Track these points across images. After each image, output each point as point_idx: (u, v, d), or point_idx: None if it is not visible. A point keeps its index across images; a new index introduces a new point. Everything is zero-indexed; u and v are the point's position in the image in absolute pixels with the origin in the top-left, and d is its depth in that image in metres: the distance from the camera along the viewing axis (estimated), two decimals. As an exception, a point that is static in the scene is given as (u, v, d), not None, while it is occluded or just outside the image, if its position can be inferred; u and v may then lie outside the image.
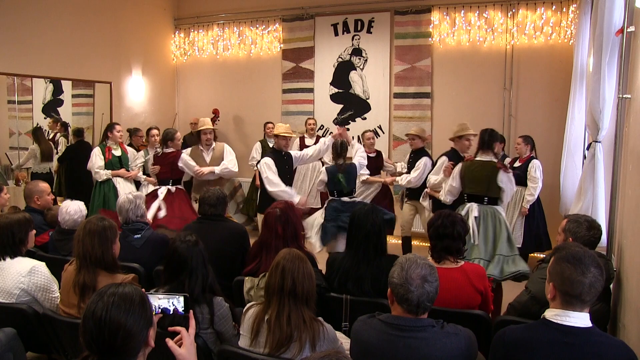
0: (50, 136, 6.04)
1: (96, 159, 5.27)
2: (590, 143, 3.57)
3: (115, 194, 5.16)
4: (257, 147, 6.71)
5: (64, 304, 2.66)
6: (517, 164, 5.20)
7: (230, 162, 5.18)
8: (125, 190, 5.27)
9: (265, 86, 7.58)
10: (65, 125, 6.40)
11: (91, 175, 5.36)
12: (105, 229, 2.62)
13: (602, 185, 3.48)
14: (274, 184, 4.53)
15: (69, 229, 3.47)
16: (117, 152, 5.40)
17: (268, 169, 4.57)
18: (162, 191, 5.01)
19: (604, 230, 3.19)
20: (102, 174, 5.25)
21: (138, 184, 5.58)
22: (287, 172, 4.75)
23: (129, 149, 5.62)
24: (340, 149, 4.64)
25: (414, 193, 5.23)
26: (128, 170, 5.42)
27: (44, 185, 3.97)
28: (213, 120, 7.19)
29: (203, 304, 2.28)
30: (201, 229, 3.34)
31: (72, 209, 3.48)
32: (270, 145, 6.66)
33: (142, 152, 5.61)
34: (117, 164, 5.36)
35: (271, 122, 6.81)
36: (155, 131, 5.75)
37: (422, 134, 5.35)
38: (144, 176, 5.48)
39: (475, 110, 6.40)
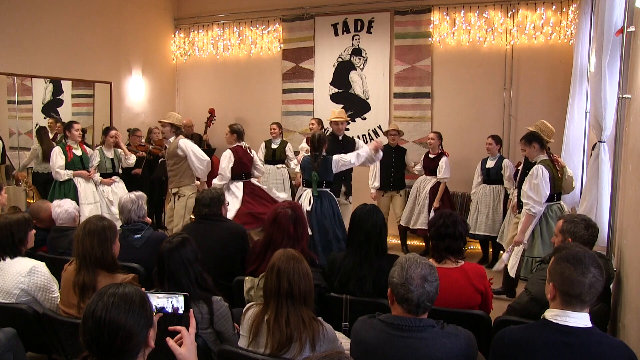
0: (51, 136, 6.03)
1: (57, 159, 5.14)
2: (595, 143, 3.57)
3: (76, 195, 5.10)
4: (262, 147, 6.76)
5: (63, 304, 2.66)
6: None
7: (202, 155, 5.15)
8: (86, 190, 5.26)
9: (265, 86, 7.58)
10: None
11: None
12: (105, 229, 2.62)
13: (607, 186, 3.47)
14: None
15: (64, 226, 3.48)
16: (78, 152, 5.31)
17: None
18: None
19: (605, 230, 3.20)
20: (63, 174, 5.14)
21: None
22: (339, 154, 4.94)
23: (88, 149, 5.55)
24: (317, 143, 4.63)
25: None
26: (88, 171, 5.35)
27: (46, 216, 3.67)
28: (209, 120, 7.22)
29: (202, 304, 2.28)
30: (200, 229, 3.34)
31: (65, 203, 3.54)
32: (273, 146, 6.73)
33: (97, 152, 5.53)
34: (78, 163, 5.27)
35: (276, 123, 6.81)
36: (114, 131, 5.65)
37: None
38: (100, 178, 5.46)
39: (475, 110, 6.40)
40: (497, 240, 5.37)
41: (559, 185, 4.01)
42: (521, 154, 5.38)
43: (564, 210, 4.06)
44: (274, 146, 6.75)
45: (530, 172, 3.95)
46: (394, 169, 5.94)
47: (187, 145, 5.07)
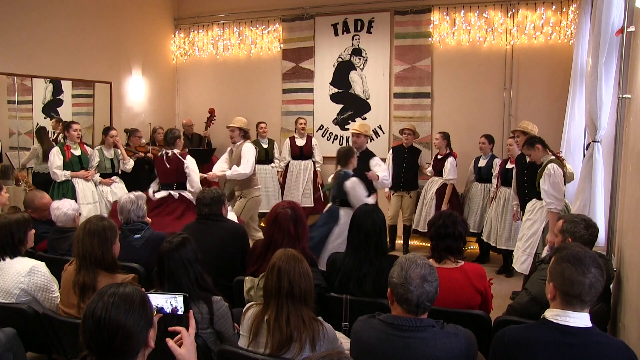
0: (53, 136, 6.02)
1: (55, 159, 5.11)
2: (589, 143, 3.59)
3: (74, 196, 5.07)
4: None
5: (63, 304, 2.66)
6: (509, 165, 5.21)
7: (242, 166, 5.05)
8: (85, 191, 5.24)
9: (265, 86, 7.58)
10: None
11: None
12: (105, 229, 2.62)
13: (600, 185, 3.50)
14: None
15: (65, 227, 3.48)
16: (77, 152, 5.28)
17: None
18: (163, 194, 4.94)
19: (603, 230, 3.21)
20: (60, 174, 5.11)
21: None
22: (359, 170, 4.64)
23: (88, 149, 5.53)
24: (341, 157, 4.53)
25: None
26: (88, 171, 5.33)
27: (41, 203, 3.75)
28: (209, 120, 7.21)
29: (202, 304, 2.28)
30: (200, 229, 3.34)
31: (65, 205, 3.51)
32: (264, 145, 6.76)
33: (96, 152, 5.52)
34: (77, 163, 5.24)
35: (264, 122, 6.84)
36: (114, 131, 5.64)
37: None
38: (100, 178, 5.45)
39: (475, 110, 6.40)
40: (485, 239, 5.43)
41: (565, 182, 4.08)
42: (508, 153, 5.43)
43: (569, 208, 4.09)
44: (264, 145, 6.80)
45: (547, 172, 3.99)
46: (404, 169, 5.92)
47: (245, 149, 5.15)
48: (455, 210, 5.48)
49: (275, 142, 6.97)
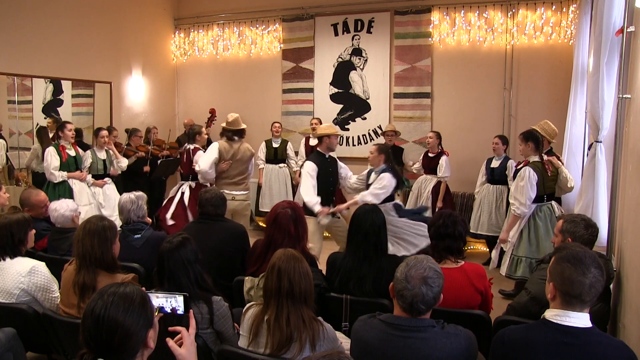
0: (50, 136, 6.02)
1: (52, 159, 5.05)
2: (592, 143, 3.59)
3: (71, 197, 5.02)
4: (262, 147, 6.81)
5: (63, 304, 2.66)
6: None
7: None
8: (81, 191, 5.23)
9: (265, 86, 7.58)
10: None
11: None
12: (105, 229, 2.62)
13: (603, 185, 3.49)
14: (307, 194, 4.28)
15: (64, 228, 3.48)
16: (72, 153, 5.25)
17: (306, 178, 4.32)
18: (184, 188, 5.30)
19: (604, 230, 3.21)
20: (58, 175, 5.06)
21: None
22: (330, 174, 4.49)
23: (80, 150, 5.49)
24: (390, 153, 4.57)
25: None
26: (81, 171, 5.31)
27: (37, 200, 3.76)
28: (210, 120, 7.22)
29: (202, 304, 2.28)
30: (201, 229, 3.34)
31: (62, 207, 3.51)
32: (275, 145, 6.77)
33: (89, 153, 5.49)
34: (72, 164, 5.21)
35: (278, 122, 6.85)
36: (104, 132, 5.60)
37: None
38: (92, 179, 5.43)
39: (475, 110, 6.40)
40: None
41: (549, 186, 4.04)
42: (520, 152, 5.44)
43: (555, 210, 4.06)
44: (275, 145, 6.80)
45: (518, 174, 3.99)
46: None
47: (209, 147, 5.02)
48: (448, 207, 5.50)
49: (289, 142, 6.92)
